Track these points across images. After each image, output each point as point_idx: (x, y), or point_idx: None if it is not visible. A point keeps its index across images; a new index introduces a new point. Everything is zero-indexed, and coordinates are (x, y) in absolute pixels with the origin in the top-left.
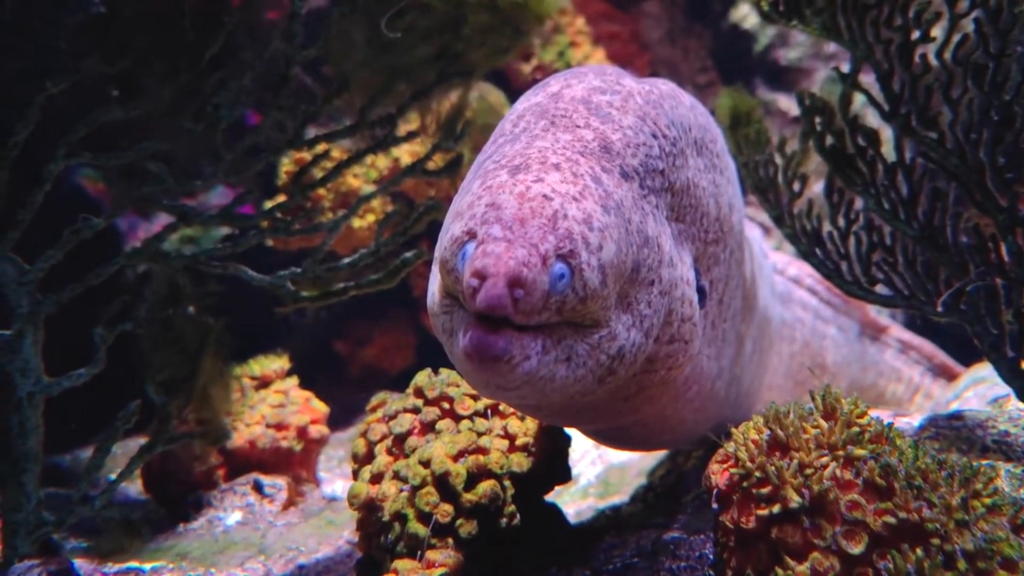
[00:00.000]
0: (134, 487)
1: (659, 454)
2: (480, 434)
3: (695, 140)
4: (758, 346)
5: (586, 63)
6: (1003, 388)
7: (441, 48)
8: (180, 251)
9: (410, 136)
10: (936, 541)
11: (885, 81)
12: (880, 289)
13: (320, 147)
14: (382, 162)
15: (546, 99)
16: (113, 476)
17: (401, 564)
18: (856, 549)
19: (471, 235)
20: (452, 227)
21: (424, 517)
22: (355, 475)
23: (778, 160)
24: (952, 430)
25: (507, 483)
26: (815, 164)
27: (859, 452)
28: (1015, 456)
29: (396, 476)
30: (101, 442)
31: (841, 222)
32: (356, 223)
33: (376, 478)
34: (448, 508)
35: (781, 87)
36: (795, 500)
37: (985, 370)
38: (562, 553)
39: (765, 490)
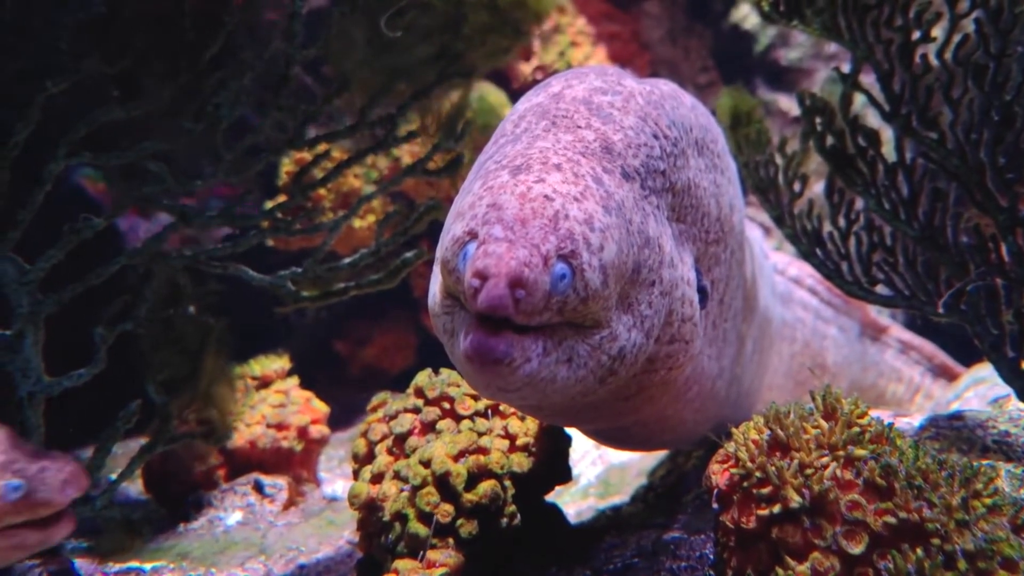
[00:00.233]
0: (134, 487)
1: (659, 454)
2: (481, 434)
3: (696, 140)
4: (759, 346)
5: (587, 63)
6: (1003, 388)
7: (441, 48)
8: (180, 251)
9: (410, 136)
10: (936, 541)
11: (886, 81)
12: (880, 289)
13: (320, 147)
14: (382, 162)
15: (547, 99)
16: (114, 476)
17: (402, 564)
18: (856, 549)
19: (472, 235)
20: (453, 227)
21: (425, 517)
22: (356, 475)
23: (778, 160)
24: (952, 430)
25: (508, 483)
26: (815, 164)
27: (859, 452)
28: (1015, 456)
29: (397, 476)
30: (101, 442)
31: (841, 222)
32: (356, 223)
33: (377, 478)
34: (449, 508)
35: (782, 87)
36: (795, 500)
37: (985, 370)
38: (563, 553)
39: (765, 490)
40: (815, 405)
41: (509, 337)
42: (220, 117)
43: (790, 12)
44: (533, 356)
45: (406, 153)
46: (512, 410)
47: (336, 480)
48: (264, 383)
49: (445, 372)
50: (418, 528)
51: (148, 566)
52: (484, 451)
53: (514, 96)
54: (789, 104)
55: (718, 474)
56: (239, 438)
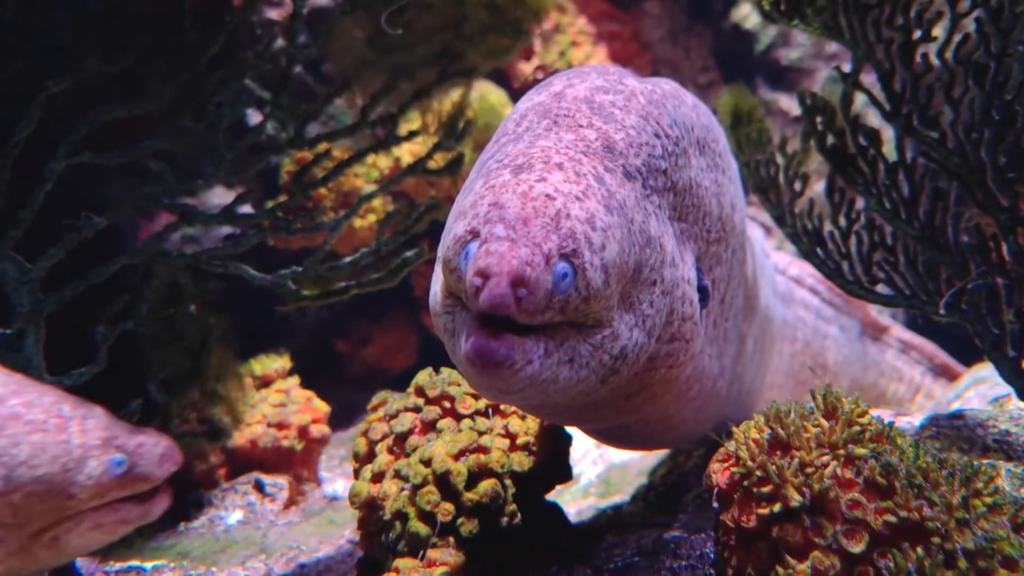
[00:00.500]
0: None
1: (660, 453)
2: (481, 433)
3: (697, 140)
4: (759, 345)
5: (587, 63)
6: (1004, 388)
7: (442, 47)
8: (181, 250)
9: (411, 135)
10: (937, 540)
11: (886, 81)
12: (881, 289)
13: (321, 146)
14: (383, 161)
15: (549, 98)
16: None
17: (402, 563)
18: (857, 548)
19: (474, 234)
20: (455, 226)
21: (425, 516)
22: (356, 474)
23: (779, 159)
24: (953, 429)
25: (508, 482)
26: (816, 164)
27: (860, 451)
28: (1016, 455)
29: (397, 475)
30: None
31: (842, 222)
32: (357, 222)
33: (377, 477)
34: (449, 507)
35: (782, 87)
36: (796, 499)
37: (986, 370)
38: (563, 552)
39: (766, 489)
40: (816, 404)
41: (510, 340)
42: (221, 116)
43: (791, 11)
44: (535, 358)
45: (407, 152)
46: (513, 409)
47: (337, 479)
48: (265, 382)
49: (446, 371)
50: (419, 527)
51: (149, 565)
52: (485, 450)
53: (515, 95)
54: (790, 104)
55: (719, 473)
56: (240, 437)
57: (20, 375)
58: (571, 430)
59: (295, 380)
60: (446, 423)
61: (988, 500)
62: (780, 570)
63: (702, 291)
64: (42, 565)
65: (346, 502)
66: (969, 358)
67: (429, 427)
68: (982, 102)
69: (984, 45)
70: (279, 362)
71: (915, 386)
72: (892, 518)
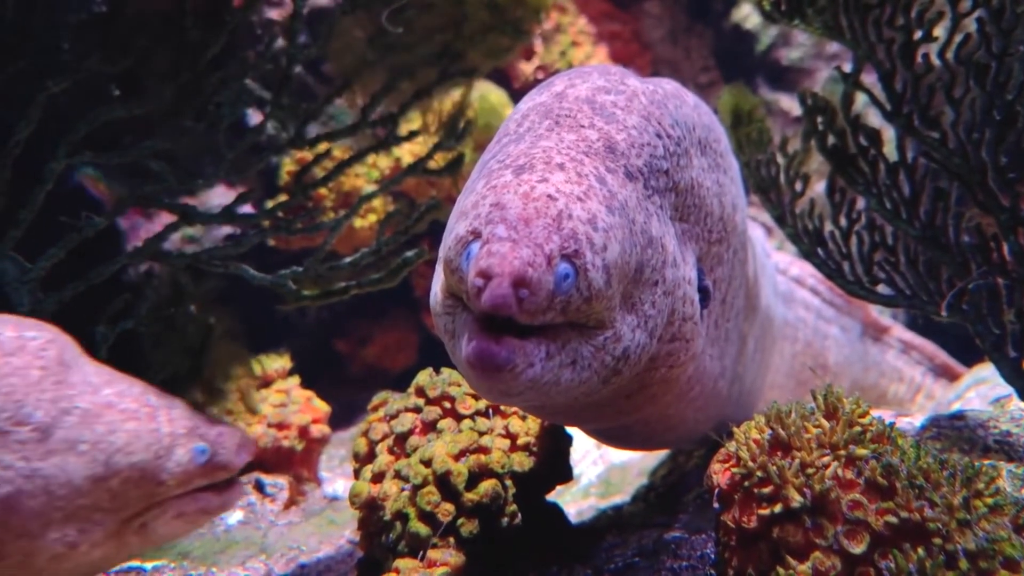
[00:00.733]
0: None
1: (660, 454)
2: (481, 433)
3: (699, 140)
4: (760, 345)
5: (588, 63)
6: (1005, 388)
7: (443, 47)
8: (182, 250)
9: (411, 135)
10: (938, 540)
11: (887, 81)
12: (882, 289)
13: (321, 146)
14: (384, 161)
15: (550, 99)
16: None
17: (403, 563)
18: (858, 548)
19: (476, 235)
20: (456, 227)
21: (425, 516)
22: (356, 474)
23: (780, 160)
24: (954, 430)
25: (508, 482)
26: (817, 164)
27: (861, 452)
28: (1017, 456)
29: (397, 475)
30: None
31: (843, 222)
32: (358, 222)
33: (377, 477)
34: (449, 507)
35: (783, 87)
36: (797, 500)
37: (987, 370)
38: (564, 552)
39: (767, 489)
40: (816, 404)
41: (511, 343)
42: (221, 116)
43: (791, 11)
44: (536, 361)
45: (407, 152)
46: (513, 410)
47: (337, 479)
48: (265, 382)
49: (446, 371)
50: (419, 527)
51: (149, 565)
52: (485, 450)
53: (515, 95)
54: (790, 104)
55: (719, 473)
56: None
57: (107, 366)
58: (572, 430)
59: (295, 380)
60: (446, 423)
61: (989, 501)
62: (781, 571)
63: (703, 291)
64: (131, 551)
65: (346, 502)
66: (970, 358)
67: (429, 427)
68: (983, 102)
69: (985, 45)
70: (279, 362)
71: (916, 386)
72: (893, 519)
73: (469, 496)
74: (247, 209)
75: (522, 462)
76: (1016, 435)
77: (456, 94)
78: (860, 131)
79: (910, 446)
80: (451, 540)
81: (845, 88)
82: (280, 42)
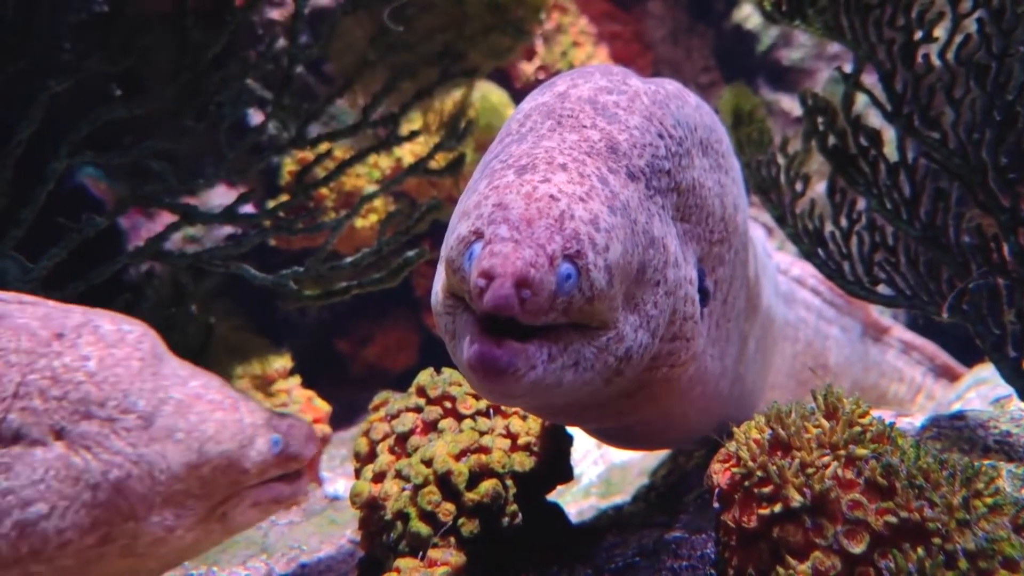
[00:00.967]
0: None
1: (661, 454)
2: (482, 433)
3: (701, 140)
4: (761, 346)
5: (589, 63)
6: (1005, 388)
7: (444, 47)
8: (183, 250)
9: (413, 135)
10: (937, 540)
11: (888, 81)
12: (882, 289)
13: (323, 146)
14: (385, 161)
15: (552, 99)
16: None
17: (403, 563)
18: (857, 548)
19: (478, 235)
20: (459, 227)
21: (426, 516)
22: (357, 474)
23: (780, 160)
24: (954, 430)
25: (509, 482)
26: (817, 164)
27: (861, 452)
28: (1017, 456)
29: (398, 475)
30: None
31: (843, 222)
32: (359, 222)
33: (378, 477)
34: (450, 507)
35: (784, 87)
36: (797, 499)
37: (987, 371)
38: (564, 552)
39: (767, 489)
40: (817, 404)
41: (513, 347)
42: (222, 116)
43: (792, 12)
44: (538, 363)
45: (408, 152)
46: (514, 409)
47: (338, 479)
48: (266, 382)
49: (447, 371)
50: (420, 527)
51: None
52: (486, 450)
53: (516, 96)
54: (791, 104)
55: (719, 473)
56: None
57: (188, 361)
58: (572, 430)
59: (296, 380)
60: (447, 423)
61: (989, 501)
62: (781, 570)
63: (702, 292)
64: (213, 540)
65: (347, 502)
66: (970, 359)
67: (430, 427)
68: (983, 103)
69: (985, 46)
70: (280, 362)
71: (916, 387)
72: (893, 519)
73: (470, 496)
74: (248, 209)
75: (523, 462)
76: (1016, 435)
77: (457, 94)
78: (861, 131)
79: (910, 446)
80: (452, 540)
81: (846, 88)
82: (281, 42)
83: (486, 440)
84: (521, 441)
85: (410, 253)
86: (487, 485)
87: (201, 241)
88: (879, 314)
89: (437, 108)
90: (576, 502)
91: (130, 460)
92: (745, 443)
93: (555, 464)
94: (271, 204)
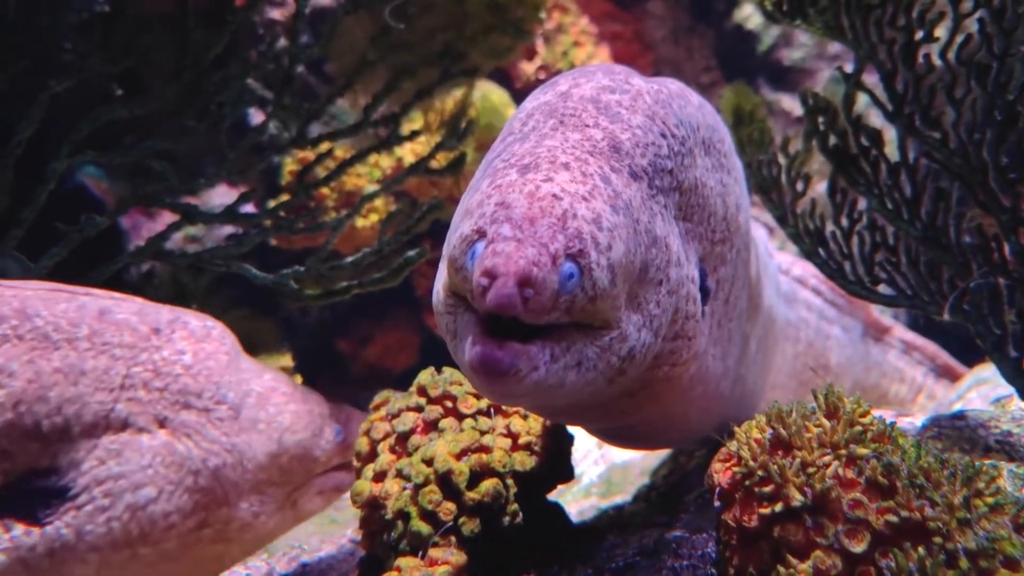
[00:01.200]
0: None
1: (662, 453)
2: (483, 432)
3: (703, 139)
4: (763, 345)
5: (590, 63)
6: (1006, 388)
7: (444, 47)
8: (184, 250)
9: (413, 135)
10: (938, 540)
11: (888, 81)
12: (883, 289)
13: (323, 146)
14: (385, 161)
15: (555, 98)
16: None
17: (404, 562)
18: (858, 547)
19: (481, 234)
20: (461, 226)
21: (427, 515)
22: (358, 473)
23: (781, 160)
24: (955, 430)
25: (510, 482)
26: (818, 164)
27: (862, 451)
28: (1018, 456)
29: (399, 474)
30: None
31: (844, 222)
32: (359, 222)
33: (379, 476)
34: (451, 506)
35: (784, 87)
36: (797, 499)
37: (988, 371)
38: (565, 552)
39: (767, 489)
40: (817, 404)
41: (515, 348)
42: (223, 116)
43: (793, 12)
44: (540, 364)
45: (409, 152)
46: (515, 409)
47: None
48: None
49: (448, 371)
50: (420, 526)
51: None
52: (486, 450)
53: (517, 95)
54: (792, 104)
55: (720, 473)
56: None
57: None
58: (573, 430)
59: (297, 379)
60: (448, 422)
61: (990, 500)
62: (782, 570)
63: (704, 291)
64: (286, 527)
65: (348, 501)
66: (971, 359)
67: (431, 426)
68: (984, 103)
69: (986, 46)
70: (281, 362)
71: (917, 387)
72: (894, 518)
73: (470, 495)
74: (249, 208)
75: (524, 461)
76: (1017, 435)
77: (458, 94)
78: (861, 131)
79: (911, 446)
80: (452, 539)
81: (846, 88)
82: (282, 42)
83: (487, 439)
84: (522, 440)
85: (411, 253)
86: (488, 484)
87: (202, 241)
88: (880, 314)
89: (438, 108)
90: (577, 502)
91: (225, 448)
92: (746, 442)
93: (556, 464)
94: (272, 204)
